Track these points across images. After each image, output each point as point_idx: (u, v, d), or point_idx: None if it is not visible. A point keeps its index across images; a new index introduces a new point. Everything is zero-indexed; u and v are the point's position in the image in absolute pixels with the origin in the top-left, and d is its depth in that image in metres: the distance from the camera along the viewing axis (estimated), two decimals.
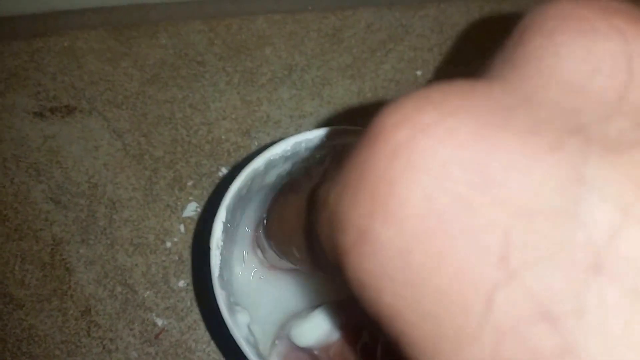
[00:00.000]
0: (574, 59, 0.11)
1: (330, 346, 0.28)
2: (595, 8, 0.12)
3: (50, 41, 0.40)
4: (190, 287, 0.36)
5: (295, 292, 0.31)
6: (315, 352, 0.29)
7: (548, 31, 0.12)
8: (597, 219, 0.09)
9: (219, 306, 0.26)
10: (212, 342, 0.36)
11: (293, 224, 0.21)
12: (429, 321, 0.10)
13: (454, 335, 0.10)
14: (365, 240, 0.11)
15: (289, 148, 0.27)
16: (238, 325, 0.26)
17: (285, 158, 0.28)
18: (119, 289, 0.36)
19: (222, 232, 0.27)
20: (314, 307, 0.30)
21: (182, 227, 0.37)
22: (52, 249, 0.37)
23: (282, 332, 0.30)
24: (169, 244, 0.37)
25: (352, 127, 0.28)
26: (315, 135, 0.28)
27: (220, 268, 0.26)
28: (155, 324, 0.36)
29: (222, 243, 0.27)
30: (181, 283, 0.36)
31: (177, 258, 0.37)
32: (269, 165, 0.28)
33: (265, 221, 0.27)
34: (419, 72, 0.41)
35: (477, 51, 0.41)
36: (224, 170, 0.38)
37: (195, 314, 0.36)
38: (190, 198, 0.38)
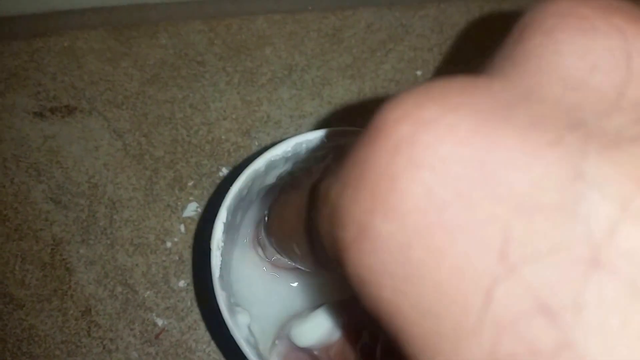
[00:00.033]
0: (573, 56, 0.11)
1: (330, 346, 0.28)
2: (595, 6, 0.12)
3: (50, 41, 0.40)
4: (191, 287, 0.36)
5: (295, 293, 0.31)
6: (316, 353, 0.29)
7: (548, 29, 0.12)
8: (596, 214, 0.09)
9: (220, 307, 0.26)
10: (212, 342, 0.36)
11: (294, 221, 0.21)
12: (429, 317, 0.11)
13: (453, 331, 0.10)
14: (365, 236, 0.11)
15: (289, 149, 0.27)
16: (238, 326, 0.26)
17: (285, 159, 0.28)
18: (119, 289, 0.36)
19: (223, 232, 0.27)
20: (314, 307, 0.30)
21: (182, 227, 0.37)
22: (52, 249, 0.37)
23: (282, 332, 0.30)
24: (169, 244, 0.37)
25: (353, 128, 0.28)
26: (316, 136, 0.28)
27: (221, 269, 0.26)
28: (155, 324, 0.36)
29: (222, 244, 0.27)
30: (181, 283, 0.36)
31: (177, 258, 0.37)
32: (270, 166, 0.28)
33: (266, 218, 0.27)
34: (419, 72, 0.41)
35: (478, 51, 0.41)
36: (224, 170, 0.38)
37: (196, 314, 0.36)
38: (191, 198, 0.38)
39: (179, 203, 0.38)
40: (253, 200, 0.31)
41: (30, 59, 0.40)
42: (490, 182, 0.10)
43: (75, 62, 0.40)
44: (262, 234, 0.29)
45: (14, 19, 0.40)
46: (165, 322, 0.36)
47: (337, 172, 0.13)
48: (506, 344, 0.09)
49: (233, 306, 0.27)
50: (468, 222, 0.10)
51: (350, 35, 0.41)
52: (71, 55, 0.40)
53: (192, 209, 0.38)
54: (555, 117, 0.10)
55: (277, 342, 0.30)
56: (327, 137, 0.28)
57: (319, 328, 0.28)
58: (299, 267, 0.27)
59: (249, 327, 0.27)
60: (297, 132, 0.39)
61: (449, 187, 0.10)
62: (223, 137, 0.39)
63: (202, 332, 0.36)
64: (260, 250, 0.31)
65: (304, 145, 0.28)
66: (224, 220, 0.27)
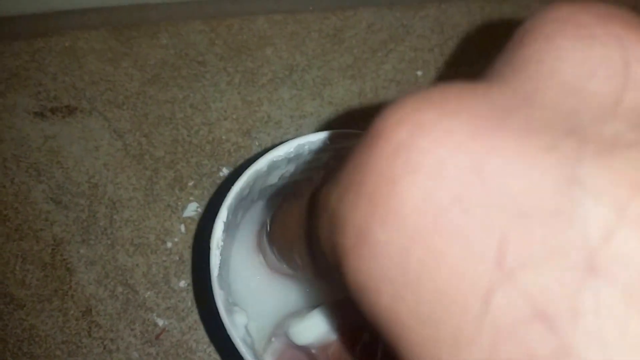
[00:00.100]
0: (572, 63, 0.11)
1: (328, 345, 0.28)
2: (594, 14, 0.12)
3: (51, 41, 0.40)
4: (191, 287, 0.36)
5: (293, 292, 0.31)
6: (313, 351, 0.28)
7: (548, 35, 0.12)
8: (592, 219, 0.09)
9: (217, 306, 0.26)
10: (213, 343, 0.36)
11: (295, 230, 0.21)
12: (427, 324, 0.11)
13: (452, 338, 0.10)
14: (364, 241, 0.11)
15: (292, 150, 0.27)
16: (235, 326, 0.26)
17: (288, 160, 0.28)
18: (119, 289, 0.36)
19: (223, 232, 0.27)
20: (313, 306, 0.29)
21: (182, 227, 0.37)
22: (52, 249, 0.37)
23: (280, 329, 0.29)
24: (169, 244, 0.37)
25: (355, 131, 0.28)
26: (319, 137, 0.28)
27: (220, 268, 0.26)
28: (156, 324, 0.36)
29: (222, 243, 0.27)
30: (182, 283, 0.36)
31: (177, 258, 0.37)
32: (272, 166, 0.28)
33: (268, 227, 0.27)
34: (419, 73, 0.41)
35: (478, 51, 0.41)
36: (224, 171, 0.38)
37: (196, 314, 0.36)
38: (191, 198, 0.38)
39: (180, 203, 0.38)
40: (254, 200, 0.31)
41: (31, 59, 0.40)
42: (487, 187, 0.10)
43: (76, 62, 0.40)
44: (264, 241, 0.29)
45: (14, 19, 0.40)
46: (166, 323, 0.36)
47: (337, 177, 0.13)
48: (505, 350, 0.09)
49: (231, 306, 0.27)
50: (465, 227, 0.10)
51: (351, 36, 0.41)
52: (72, 55, 0.40)
53: (193, 209, 0.38)
54: (553, 122, 0.10)
55: (273, 339, 0.29)
56: (330, 139, 0.28)
57: (317, 326, 0.28)
58: (300, 276, 0.27)
59: (246, 327, 0.27)
60: (298, 132, 0.39)
61: (447, 192, 0.10)
62: (223, 137, 0.39)
63: (202, 332, 0.36)
64: (261, 256, 0.31)
65: (306, 147, 0.28)
66: (225, 219, 0.27)
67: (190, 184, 0.38)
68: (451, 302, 0.10)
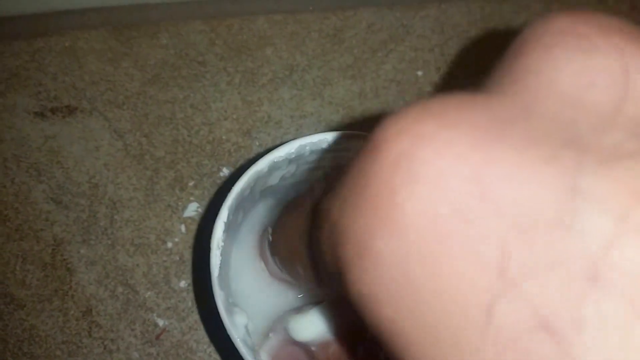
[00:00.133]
0: (571, 74, 0.11)
1: (329, 344, 0.28)
2: (594, 25, 0.12)
3: (51, 41, 0.40)
4: (191, 288, 0.36)
5: (295, 294, 0.31)
6: (313, 349, 0.28)
7: (547, 46, 0.12)
8: (593, 229, 0.09)
9: (218, 307, 0.26)
10: (213, 343, 0.36)
11: (297, 242, 0.21)
12: (431, 334, 0.11)
13: (455, 348, 0.10)
14: (366, 253, 0.11)
15: (293, 151, 0.27)
16: (236, 326, 0.26)
17: (289, 160, 0.28)
18: (120, 289, 0.36)
19: (224, 232, 0.27)
20: (315, 303, 0.29)
21: (183, 227, 0.37)
22: (53, 249, 0.37)
23: (279, 325, 0.29)
24: (170, 244, 0.37)
25: (356, 132, 0.28)
26: (320, 138, 0.28)
27: (220, 268, 0.26)
28: (156, 325, 0.36)
29: (222, 243, 0.27)
30: (182, 283, 0.36)
31: (178, 258, 0.37)
32: (273, 167, 0.28)
33: (270, 237, 0.27)
34: (419, 73, 0.41)
35: (478, 52, 0.41)
36: (225, 171, 0.38)
37: (197, 314, 0.36)
38: (191, 198, 0.38)
39: (180, 203, 0.38)
40: (255, 201, 0.31)
41: (31, 59, 0.40)
42: (487, 198, 0.10)
43: (76, 62, 0.40)
44: (267, 250, 0.29)
45: (14, 19, 0.40)
46: (166, 323, 0.36)
47: (338, 188, 0.13)
48: (509, 359, 0.09)
49: (231, 306, 0.27)
50: (466, 238, 0.10)
51: (351, 36, 0.41)
52: (72, 55, 0.40)
53: (193, 209, 0.38)
54: (552, 133, 0.10)
55: (271, 335, 0.29)
56: (332, 139, 0.28)
57: (319, 323, 0.27)
58: (302, 285, 0.26)
59: (246, 328, 0.27)
60: (298, 132, 0.39)
61: (447, 203, 0.10)
62: (224, 137, 0.39)
63: (202, 332, 0.36)
64: (263, 264, 0.31)
65: (307, 148, 0.28)
66: (225, 219, 0.27)
67: (191, 184, 0.38)
68: (454, 312, 0.10)
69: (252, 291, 0.31)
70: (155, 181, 0.38)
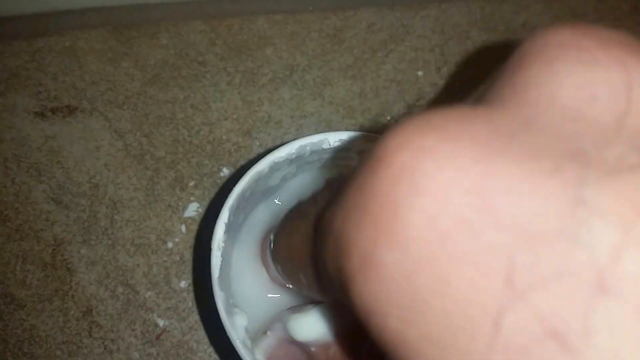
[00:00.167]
0: (573, 87, 0.11)
1: (330, 345, 0.28)
2: (595, 38, 0.12)
3: (51, 41, 0.40)
4: (192, 288, 0.36)
5: (296, 296, 0.31)
6: (313, 349, 0.28)
7: (548, 58, 0.12)
8: (599, 239, 0.09)
9: (218, 308, 0.26)
10: (213, 344, 0.36)
11: (300, 251, 0.21)
12: (437, 347, 0.11)
13: (463, 359, 0.10)
14: (370, 265, 0.12)
15: (293, 151, 0.28)
16: (235, 328, 0.26)
17: (290, 161, 0.28)
18: (120, 289, 0.36)
19: (224, 233, 0.27)
20: (316, 302, 0.29)
21: (183, 228, 0.37)
22: (53, 249, 0.37)
23: (277, 323, 0.29)
24: (170, 245, 0.37)
25: (357, 132, 0.28)
26: (321, 138, 0.28)
27: (221, 269, 0.26)
28: (156, 325, 0.36)
29: (223, 244, 0.27)
30: (182, 283, 0.36)
31: (178, 258, 0.37)
32: (274, 167, 0.28)
33: (272, 244, 0.27)
34: (420, 73, 0.41)
35: (478, 53, 0.41)
36: (225, 171, 0.38)
37: (197, 315, 0.36)
38: (192, 198, 0.38)
39: (180, 203, 0.38)
40: (256, 201, 0.31)
41: (31, 59, 0.39)
42: (491, 211, 0.10)
43: (76, 62, 0.40)
44: (269, 257, 0.29)
45: (14, 18, 0.40)
46: (167, 323, 0.36)
47: (341, 200, 0.13)
48: None
49: (231, 307, 0.27)
50: (471, 250, 0.10)
51: (351, 36, 0.41)
52: (72, 55, 0.40)
53: (193, 209, 0.38)
54: (555, 146, 0.11)
55: (268, 333, 0.28)
56: (332, 140, 0.28)
57: (320, 323, 0.27)
58: (304, 294, 0.26)
59: (246, 329, 0.27)
60: (299, 132, 0.39)
61: (451, 216, 0.10)
62: (224, 137, 0.39)
63: (203, 332, 0.36)
64: (264, 270, 0.30)
65: (308, 148, 0.28)
66: (226, 220, 0.27)
67: (191, 184, 0.38)
68: (461, 324, 0.10)
69: (252, 292, 0.31)
70: (156, 181, 0.38)
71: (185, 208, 0.38)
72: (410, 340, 0.11)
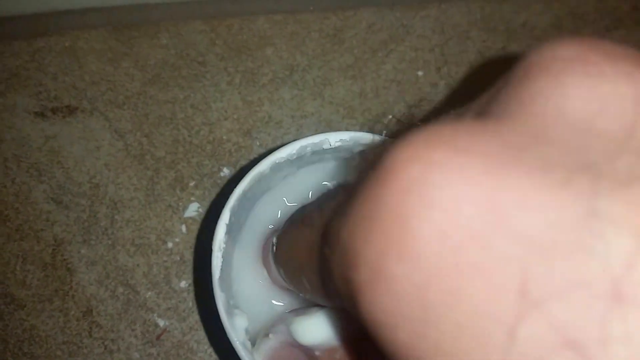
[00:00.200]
0: (581, 100, 0.11)
1: (336, 349, 0.27)
2: (601, 53, 0.12)
3: (51, 41, 0.40)
4: (192, 288, 0.36)
5: (298, 299, 0.31)
6: (317, 353, 0.27)
7: (555, 72, 0.12)
8: (614, 249, 0.09)
9: (218, 309, 0.26)
10: (212, 344, 0.36)
11: (304, 257, 0.21)
12: (449, 358, 0.11)
13: None
14: (379, 277, 0.11)
15: (294, 152, 0.28)
16: (235, 329, 0.26)
17: (290, 161, 0.28)
18: (120, 289, 0.36)
19: (225, 234, 0.27)
20: (321, 305, 0.29)
21: (183, 228, 0.37)
22: (53, 249, 0.37)
23: (280, 325, 0.28)
24: (170, 245, 0.37)
25: (357, 132, 0.28)
26: (321, 139, 0.28)
27: (221, 270, 0.26)
28: (157, 325, 0.36)
29: (224, 245, 0.27)
30: (183, 284, 0.36)
31: (178, 258, 0.37)
32: (275, 168, 0.28)
33: (274, 248, 0.27)
34: (420, 73, 0.41)
35: (479, 54, 0.41)
36: (225, 171, 0.38)
37: (197, 315, 0.36)
38: (192, 198, 0.38)
39: (180, 203, 0.38)
40: (257, 202, 0.31)
41: (31, 59, 0.39)
42: (504, 223, 0.10)
43: (77, 62, 0.40)
44: (271, 260, 0.29)
45: (14, 18, 0.40)
46: (167, 323, 0.36)
47: (348, 211, 0.13)
48: None
49: (232, 308, 0.27)
50: (484, 262, 0.10)
51: (351, 36, 0.41)
52: (72, 55, 0.40)
53: (194, 209, 0.38)
54: (565, 158, 0.11)
55: (271, 335, 0.28)
56: (332, 140, 0.28)
57: (326, 327, 0.27)
58: (307, 298, 0.26)
59: (246, 330, 0.27)
60: (299, 132, 0.39)
61: (463, 228, 0.10)
62: (224, 137, 0.39)
63: (203, 333, 0.36)
64: (265, 271, 0.30)
65: (309, 149, 0.28)
66: (227, 221, 0.27)
67: (191, 184, 0.38)
68: (475, 336, 0.10)
69: (253, 292, 0.31)
70: (156, 181, 0.38)
71: (185, 208, 0.38)
72: (421, 353, 0.11)
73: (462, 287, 0.10)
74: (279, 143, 0.39)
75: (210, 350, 0.36)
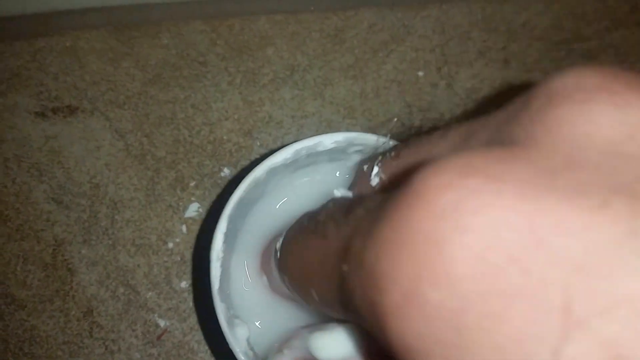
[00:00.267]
0: (609, 127, 0.12)
1: None
2: (624, 82, 0.12)
3: (52, 41, 0.40)
4: (192, 288, 0.36)
5: (300, 308, 0.30)
6: None
7: (581, 100, 0.12)
8: None
9: (219, 320, 0.26)
10: (211, 345, 0.36)
11: (315, 269, 0.21)
12: None
13: None
14: (412, 303, 0.11)
15: (289, 156, 0.28)
16: (237, 340, 0.26)
17: (285, 165, 0.28)
18: (121, 289, 0.36)
19: (223, 243, 0.27)
20: (330, 319, 0.28)
21: (184, 228, 0.37)
22: (53, 249, 0.37)
23: (296, 341, 0.28)
24: (171, 245, 0.37)
25: (357, 133, 0.28)
26: (315, 142, 0.28)
27: (220, 280, 0.26)
28: (157, 325, 0.36)
29: (222, 254, 0.27)
30: (183, 284, 0.36)
31: (179, 259, 0.37)
32: (270, 173, 0.28)
33: (278, 254, 0.27)
34: (420, 73, 0.41)
35: (480, 53, 0.41)
36: (226, 171, 0.38)
37: (197, 315, 0.36)
38: (192, 198, 0.38)
39: (181, 203, 0.38)
40: (254, 207, 0.31)
41: (32, 59, 0.39)
42: (543, 247, 0.10)
43: (77, 62, 0.40)
44: (273, 266, 0.28)
45: (15, 19, 0.40)
46: (167, 323, 0.36)
47: (372, 233, 0.13)
48: None
49: (232, 318, 0.27)
50: (524, 286, 0.10)
51: (352, 36, 0.41)
52: (73, 55, 0.40)
53: (194, 210, 0.38)
54: (598, 182, 0.11)
55: (285, 351, 0.27)
56: (328, 142, 0.28)
57: (347, 343, 0.25)
58: (312, 309, 0.26)
59: (247, 340, 0.27)
60: (299, 133, 0.39)
61: (502, 252, 0.10)
62: (225, 137, 0.39)
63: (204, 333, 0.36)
64: (265, 278, 0.30)
65: (304, 152, 0.28)
66: (224, 230, 0.27)
67: (192, 184, 0.38)
68: (517, 358, 0.10)
69: (252, 301, 0.30)
70: (156, 181, 0.38)
71: (186, 208, 0.38)
72: None
73: (501, 311, 0.10)
74: (279, 143, 0.39)
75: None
